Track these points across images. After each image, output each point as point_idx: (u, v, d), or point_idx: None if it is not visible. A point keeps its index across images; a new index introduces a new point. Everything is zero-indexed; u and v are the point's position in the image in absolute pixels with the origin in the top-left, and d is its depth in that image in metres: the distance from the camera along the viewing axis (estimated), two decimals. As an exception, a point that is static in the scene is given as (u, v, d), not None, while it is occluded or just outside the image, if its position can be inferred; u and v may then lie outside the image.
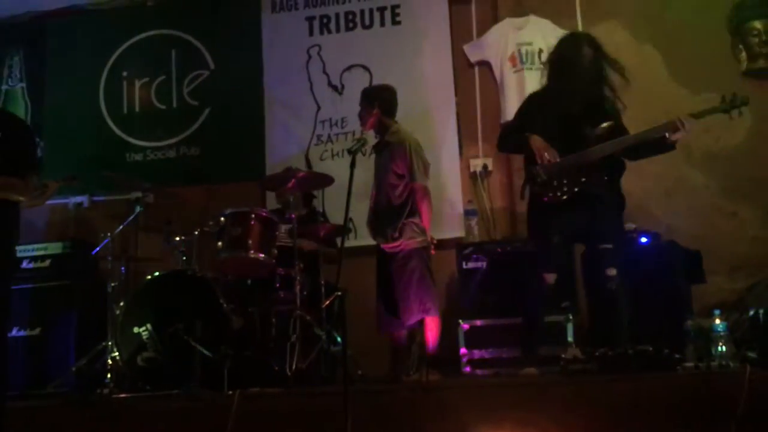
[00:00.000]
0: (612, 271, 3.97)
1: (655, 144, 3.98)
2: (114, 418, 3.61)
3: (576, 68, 3.98)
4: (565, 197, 3.97)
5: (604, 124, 4.00)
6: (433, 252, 4.56)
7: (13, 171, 3.18)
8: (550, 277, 4.06)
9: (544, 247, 4.08)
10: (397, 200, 4.51)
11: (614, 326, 3.99)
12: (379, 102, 4.62)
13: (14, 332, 4.79)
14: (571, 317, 4.48)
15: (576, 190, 3.96)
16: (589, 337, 4.41)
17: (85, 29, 6.40)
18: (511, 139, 4.28)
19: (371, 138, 4.75)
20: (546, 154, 3.99)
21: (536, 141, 4.03)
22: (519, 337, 4.32)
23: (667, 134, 3.89)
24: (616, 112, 4.10)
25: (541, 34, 5.72)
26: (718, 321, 3.78)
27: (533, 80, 5.58)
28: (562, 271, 4.09)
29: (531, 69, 5.66)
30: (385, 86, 4.83)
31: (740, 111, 3.91)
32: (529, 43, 5.72)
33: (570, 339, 4.40)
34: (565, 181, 3.97)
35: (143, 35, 6.39)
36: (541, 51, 5.67)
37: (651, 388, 3.29)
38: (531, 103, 4.25)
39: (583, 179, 3.95)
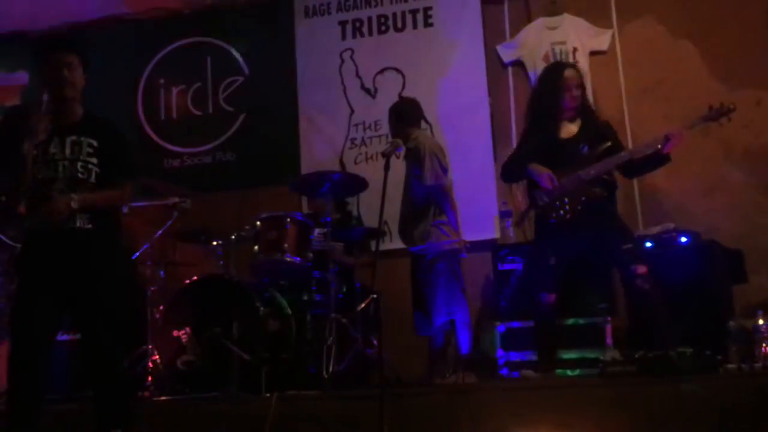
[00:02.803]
0: (642, 269, 3.97)
1: (650, 158, 4.13)
2: (154, 421, 3.66)
3: (559, 93, 4.22)
4: (569, 216, 4.11)
5: (605, 145, 4.14)
6: (464, 255, 4.55)
7: (110, 179, 3.25)
8: (549, 297, 4.17)
9: (542, 269, 4.20)
10: (419, 204, 4.54)
11: (652, 326, 3.94)
12: (395, 114, 4.74)
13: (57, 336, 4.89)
14: (609, 319, 4.43)
15: (579, 208, 4.10)
16: (628, 339, 4.35)
17: (123, 38, 6.52)
18: (512, 170, 4.45)
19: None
20: (547, 176, 4.14)
21: (535, 168, 4.20)
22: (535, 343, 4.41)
23: (659, 146, 4.03)
24: (612, 130, 4.31)
25: (575, 33, 5.67)
26: (761, 321, 3.72)
27: (568, 79, 5.55)
28: (560, 290, 4.19)
29: (566, 68, 5.61)
30: (402, 99, 5.03)
31: (729, 118, 4.03)
32: (563, 42, 5.67)
33: (608, 341, 4.36)
34: (566, 200, 4.12)
35: (179, 43, 6.49)
36: (575, 50, 5.62)
37: (692, 391, 3.23)
38: (528, 132, 4.44)
39: (584, 198, 4.09)
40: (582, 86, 4.33)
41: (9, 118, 4.64)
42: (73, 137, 3.22)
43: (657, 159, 4.12)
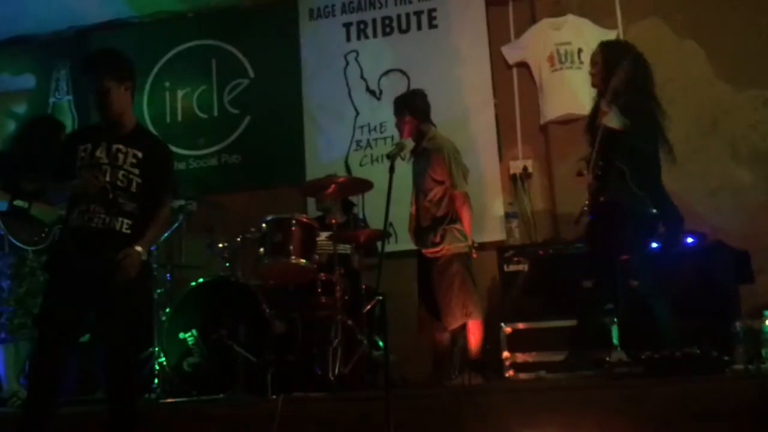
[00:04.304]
0: (633, 283, 4.00)
1: None
2: (161, 422, 3.67)
3: None
4: (589, 215, 4.14)
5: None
6: (474, 255, 4.55)
7: (149, 190, 3.31)
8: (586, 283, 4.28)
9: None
10: (436, 207, 4.51)
11: (654, 332, 3.93)
12: (410, 109, 4.62)
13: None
14: (615, 320, 4.42)
15: (589, 210, 4.12)
16: (634, 340, 4.34)
17: (128, 41, 6.50)
18: None
19: (410, 143, 4.73)
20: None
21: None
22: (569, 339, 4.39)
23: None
24: (639, 113, 3.98)
25: (580, 34, 5.66)
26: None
27: (572, 80, 5.55)
28: (597, 278, 4.23)
29: (570, 68, 5.61)
30: (414, 91, 4.86)
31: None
32: (568, 43, 5.66)
33: (615, 342, 4.35)
34: (585, 201, 4.14)
35: (184, 46, 6.51)
36: (580, 50, 5.61)
37: (699, 392, 3.22)
38: None
39: (587, 202, 4.13)
40: (599, 63, 4.14)
41: (32, 127, 4.73)
42: (120, 146, 3.29)
43: None
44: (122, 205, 3.24)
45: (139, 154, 3.30)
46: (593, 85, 4.20)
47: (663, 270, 4.06)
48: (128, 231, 3.24)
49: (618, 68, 3.92)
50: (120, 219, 3.23)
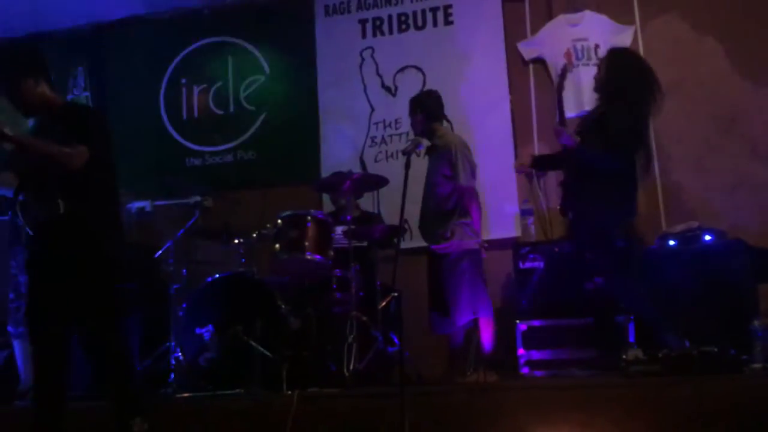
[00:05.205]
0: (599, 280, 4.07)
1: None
2: (177, 417, 3.69)
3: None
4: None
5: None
6: (484, 255, 4.54)
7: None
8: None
9: None
10: (445, 202, 4.54)
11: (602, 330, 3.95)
12: (422, 108, 4.72)
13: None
14: (631, 318, 4.40)
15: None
16: (651, 338, 4.32)
17: (145, 38, 6.58)
18: None
19: (427, 139, 4.75)
20: None
21: None
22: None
23: None
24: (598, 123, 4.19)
25: (597, 30, 5.62)
26: (787, 321, 3.67)
27: (589, 76, 5.49)
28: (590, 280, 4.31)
29: (587, 65, 5.57)
30: (428, 92, 4.96)
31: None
32: (585, 39, 5.62)
33: (631, 340, 4.33)
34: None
35: (201, 43, 6.53)
36: (597, 47, 5.57)
37: (716, 391, 3.20)
38: None
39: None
40: (600, 69, 4.28)
41: None
42: (50, 127, 3.26)
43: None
44: (66, 189, 3.17)
45: (64, 128, 3.22)
46: (594, 89, 4.26)
47: (681, 267, 4.03)
48: (77, 212, 3.17)
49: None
50: (66, 203, 3.16)
